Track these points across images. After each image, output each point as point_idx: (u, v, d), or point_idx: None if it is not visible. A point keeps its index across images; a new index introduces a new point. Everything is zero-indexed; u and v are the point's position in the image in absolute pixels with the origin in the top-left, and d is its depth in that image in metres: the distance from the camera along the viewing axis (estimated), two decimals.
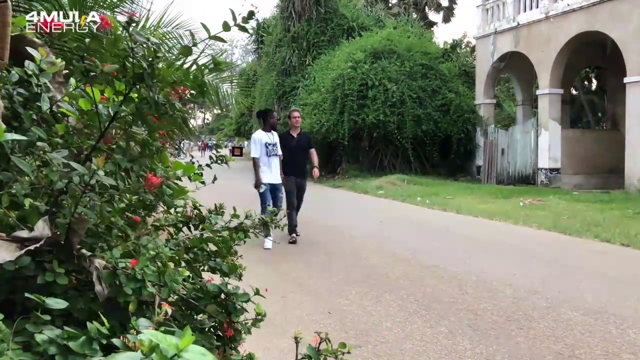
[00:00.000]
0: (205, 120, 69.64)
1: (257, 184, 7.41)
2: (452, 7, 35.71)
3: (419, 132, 18.65)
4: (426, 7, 35.93)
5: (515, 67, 18.69)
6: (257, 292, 1.86)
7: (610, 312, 4.50)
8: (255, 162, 7.52)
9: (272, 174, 7.55)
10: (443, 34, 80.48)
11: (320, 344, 1.29)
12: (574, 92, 23.64)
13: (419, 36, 22.32)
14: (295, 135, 8.03)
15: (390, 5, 34.25)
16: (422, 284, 5.44)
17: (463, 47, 28.30)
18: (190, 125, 7.27)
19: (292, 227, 7.62)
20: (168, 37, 6.16)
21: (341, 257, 6.80)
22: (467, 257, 6.73)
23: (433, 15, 36.83)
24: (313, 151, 8.19)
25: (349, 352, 1.24)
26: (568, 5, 15.08)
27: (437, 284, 5.44)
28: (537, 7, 16.26)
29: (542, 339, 3.91)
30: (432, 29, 33.97)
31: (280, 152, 7.72)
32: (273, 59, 25.38)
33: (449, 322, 4.25)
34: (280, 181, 7.65)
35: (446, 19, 35.79)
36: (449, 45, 24.03)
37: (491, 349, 3.70)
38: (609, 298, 4.92)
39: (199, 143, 49.94)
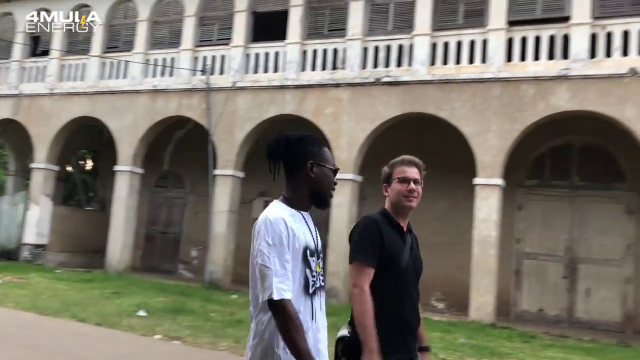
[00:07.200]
0: None
1: None
2: None
3: None
4: None
5: (12, 136, 17.87)
6: None
7: None
8: (292, 317, 1.97)
9: (320, 342, 2.16)
10: None
11: None
12: (69, 169, 24.06)
13: None
14: (406, 232, 2.71)
15: None
16: None
17: None
18: None
19: None
20: None
21: None
22: None
23: None
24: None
25: None
26: (73, 88, 15.63)
27: None
28: (43, 81, 16.20)
29: None
30: None
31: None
32: None
33: None
34: None
35: None
36: None
37: None
38: None
39: None
